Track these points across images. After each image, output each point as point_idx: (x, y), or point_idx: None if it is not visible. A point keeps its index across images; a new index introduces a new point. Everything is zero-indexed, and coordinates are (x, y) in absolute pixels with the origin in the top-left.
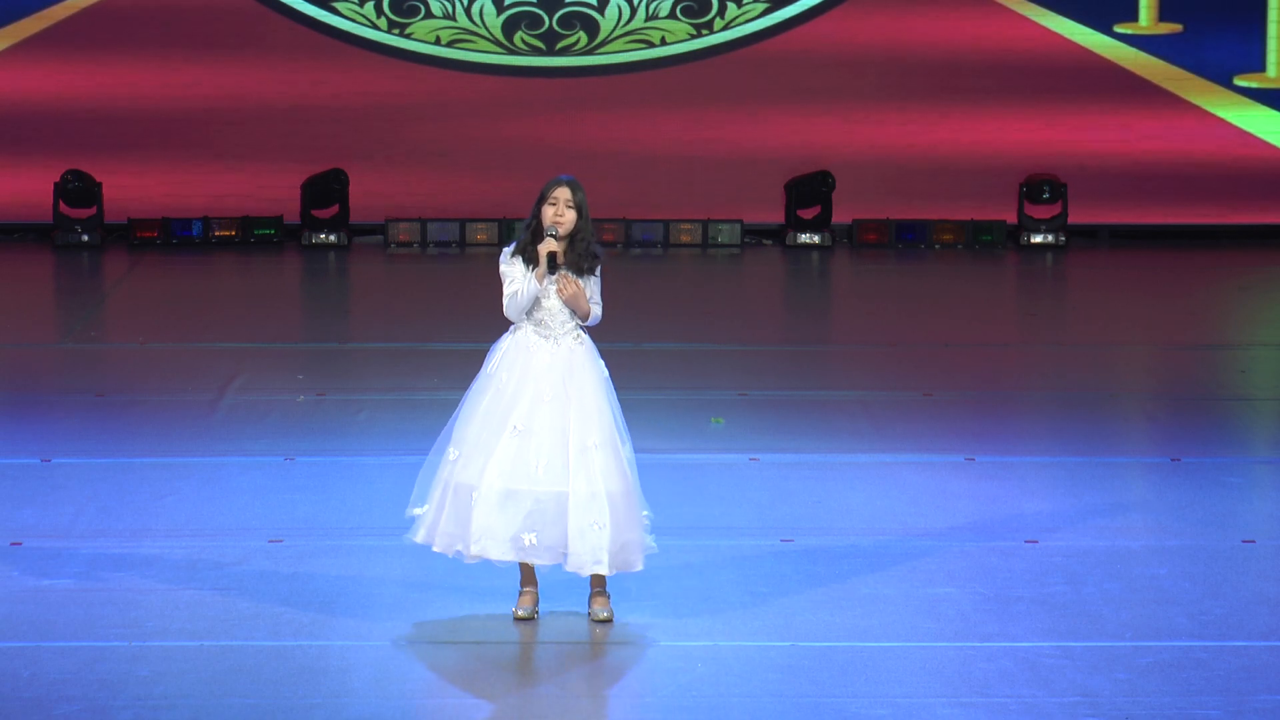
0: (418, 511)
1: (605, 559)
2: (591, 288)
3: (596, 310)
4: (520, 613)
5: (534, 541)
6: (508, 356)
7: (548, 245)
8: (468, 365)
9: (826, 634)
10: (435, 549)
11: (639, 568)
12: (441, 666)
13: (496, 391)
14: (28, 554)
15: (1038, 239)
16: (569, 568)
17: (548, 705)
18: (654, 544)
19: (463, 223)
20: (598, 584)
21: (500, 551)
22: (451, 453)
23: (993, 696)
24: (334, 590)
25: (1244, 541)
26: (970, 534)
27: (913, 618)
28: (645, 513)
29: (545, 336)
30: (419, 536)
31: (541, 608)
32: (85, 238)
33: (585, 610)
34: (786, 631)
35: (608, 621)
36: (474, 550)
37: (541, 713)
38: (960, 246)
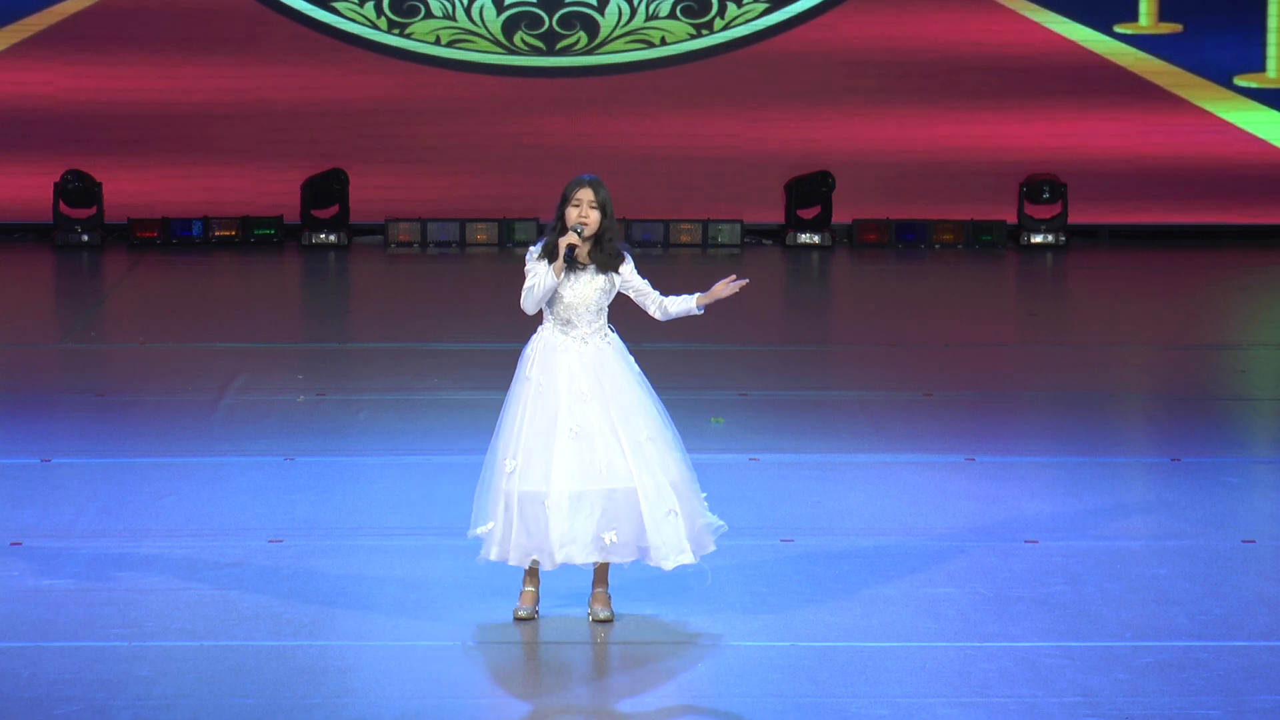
0: (483, 530)
1: (688, 547)
2: (635, 280)
3: (656, 297)
4: (520, 612)
5: (614, 539)
6: (540, 359)
7: (568, 238)
8: (467, 365)
9: (826, 634)
10: (511, 563)
11: (712, 548)
12: (441, 666)
13: (537, 394)
14: (28, 554)
15: (1038, 239)
16: (651, 561)
17: (547, 705)
18: (719, 521)
19: (463, 223)
20: (598, 583)
21: (584, 555)
22: (508, 464)
23: (993, 696)
24: (334, 590)
25: (1244, 541)
26: (970, 534)
27: (913, 618)
28: (703, 494)
29: (572, 336)
30: (491, 554)
31: (541, 608)
32: (85, 238)
33: (585, 610)
34: (786, 631)
35: (608, 621)
36: (559, 558)
37: (541, 713)
38: (960, 246)
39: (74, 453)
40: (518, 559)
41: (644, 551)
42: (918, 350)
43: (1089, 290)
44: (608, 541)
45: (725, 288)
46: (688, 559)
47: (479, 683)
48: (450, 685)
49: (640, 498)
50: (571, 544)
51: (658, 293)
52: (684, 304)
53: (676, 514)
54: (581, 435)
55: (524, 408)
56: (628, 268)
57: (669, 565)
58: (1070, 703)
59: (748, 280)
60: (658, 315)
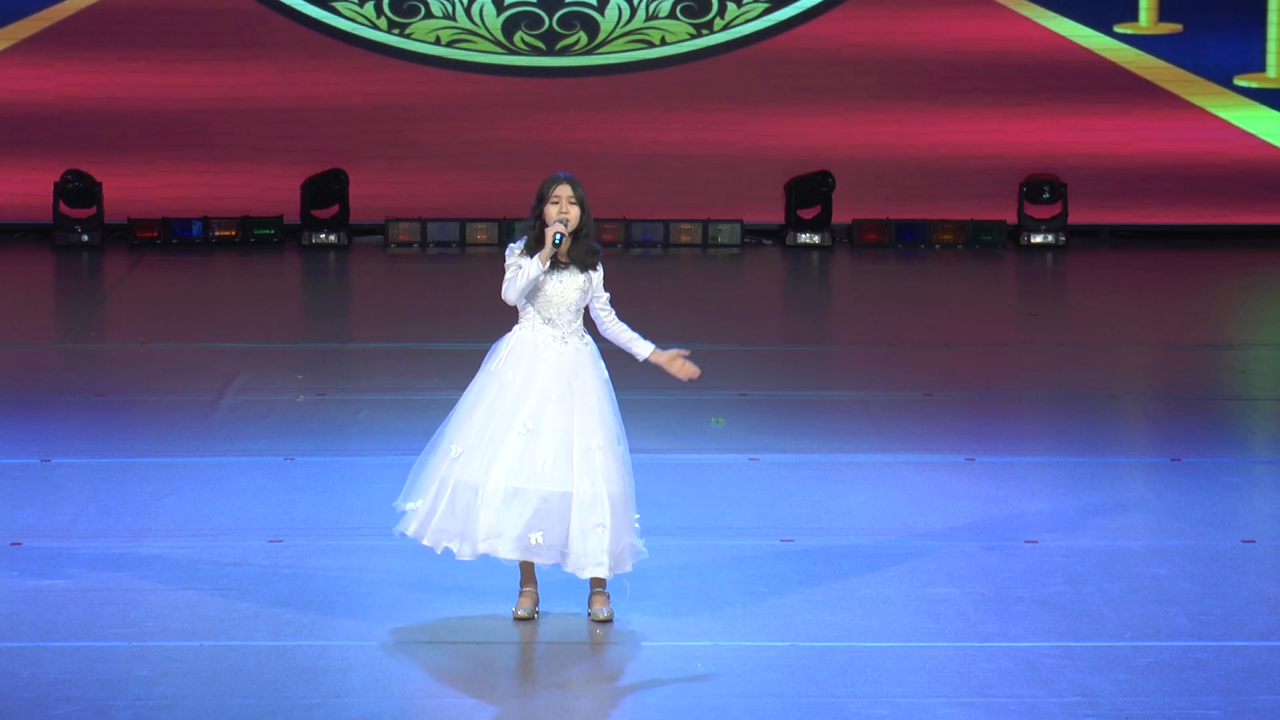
0: (411, 506)
1: (606, 560)
2: (596, 289)
3: (611, 313)
4: (520, 613)
5: (539, 540)
6: (515, 354)
7: (555, 228)
8: (468, 365)
9: (826, 634)
10: (425, 542)
11: (628, 569)
12: (441, 666)
13: (501, 389)
14: (28, 554)
15: (1038, 239)
16: (568, 568)
17: (548, 705)
18: (644, 547)
19: (463, 223)
20: (598, 584)
21: (507, 550)
22: (454, 449)
23: (993, 696)
24: (334, 590)
25: (1244, 541)
26: (970, 534)
27: (913, 618)
28: (635, 515)
29: (554, 335)
30: (410, 529)
31: (541, 608)
32: (85, 238)
33: (585, 610)
34: (786, 631)
35: (608, 621)
36: (482, 549)
37: (541, 713)
38: (960, 246)
39: (74, 453)
40: (432, 541)
41: (564, 556)
42: (918, 350)
43: (1089, 290)
44: (533, 542)
45: (680, 368)
46: (603, 572)
47: (478, 683)
48: (450, 685)
49: (574, 504)
50: (497, 538)
51: (614, 311)
52: (634, 344)
53: (605, 528)
54: (533, 434)
55: (483, 400)
56: (600, 270)
57: (584, 574)
58: (1070, 703)
59: (700, 373)
60: (601, 329)
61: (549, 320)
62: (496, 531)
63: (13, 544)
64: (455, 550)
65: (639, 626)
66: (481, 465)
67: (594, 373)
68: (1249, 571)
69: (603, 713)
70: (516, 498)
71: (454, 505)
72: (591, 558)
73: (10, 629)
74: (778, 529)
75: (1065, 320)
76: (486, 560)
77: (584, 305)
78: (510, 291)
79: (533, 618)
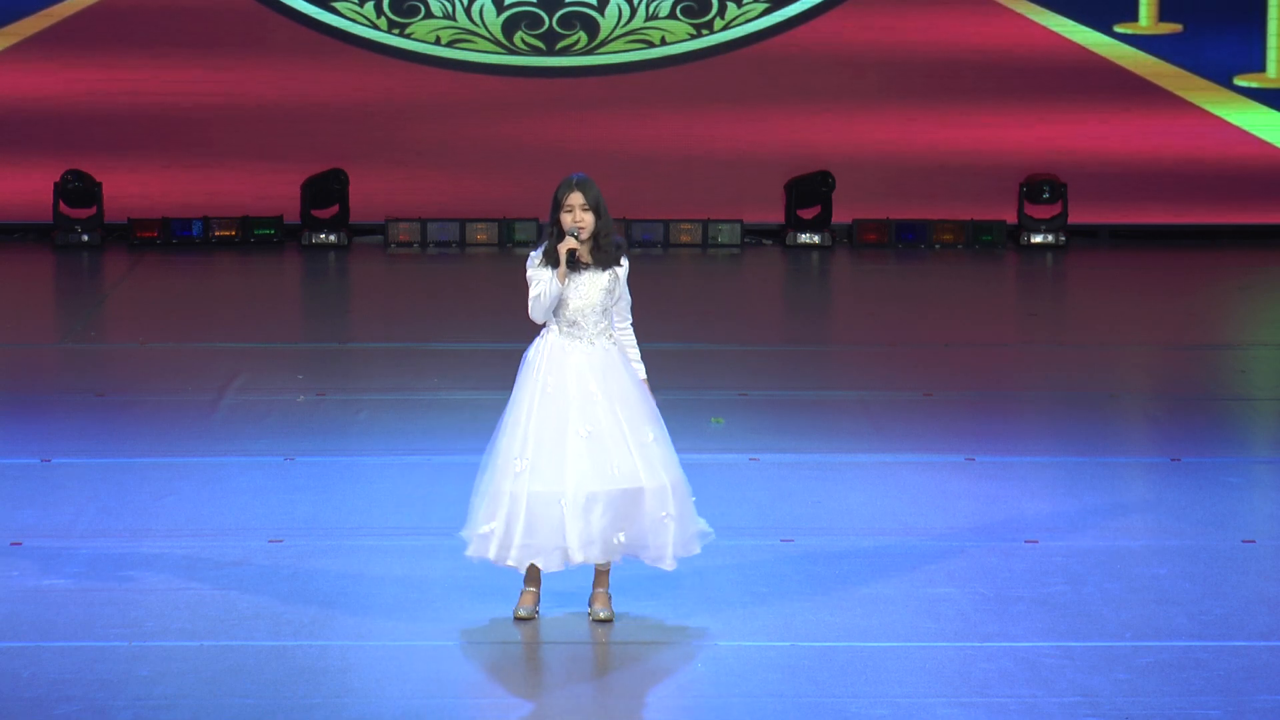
0: (484, 530)
1: (669, 553)
2: (621, 287)
3: (627, 322)
4: (521, 613)
5: (622, 540)
6: (545, 358)
7: (567, 243)
8: (467, 365)
9: (826, 634)
10: (509, 563)
11: (697, 551)
12: (441, 667)
13: (541, 393)
14: (28, 554)
15: (1038, 239)
16: (649, 561)
17: (548, 705)
18: (708, 527)
19: (463, 223)
20: (599, 583)
21: (601, 555)
22: (517, 464)
23: (993, 696)
24: (334, 590)
25: (1244, 541)
26: (970, 534)
27: (913, 618)
28: (692, 498)
29: (579, 338)
30: (490, 553)
31: (542, 608)
32: (85, 238)
33: (585, 610)
34: (786, 631)
35: (608, 621)
36: (578, 559)
37: (542, 712)
38: (960, 246)
39: (74, 453)
40: (517, 559)
41: (643, 550)
42: (918, 350)
43: (1089, 290)
44: (615, 542)
45: None
46: (669, 565)
47: (479, 683)
48: (450, 685)
49: (645, 499)
50: (590, 545)
51: (630, 323)
52: (633, 362)
53: (672, 519)
54: (593, 437)
55: (531, 409)
56: (625, 264)
57: (664, 566)
58: (1070, 703)
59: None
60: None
61: (573, 324)
62: (589, 539)
63: (13, 544)
64: (542, 565)
65: (639, 626)
66: (554, 474)
67: (626, 369)
68: (1249, 571)
69: (603, 712)
70: (595, 502)
71: (533, 520)
72: (661, 552)
73: (10, 629)
74: (778, 529)
75: (1065, 320)
76: (485, 560)
77: (609, 305)
78: (537, 312)
79: (533, 618)
